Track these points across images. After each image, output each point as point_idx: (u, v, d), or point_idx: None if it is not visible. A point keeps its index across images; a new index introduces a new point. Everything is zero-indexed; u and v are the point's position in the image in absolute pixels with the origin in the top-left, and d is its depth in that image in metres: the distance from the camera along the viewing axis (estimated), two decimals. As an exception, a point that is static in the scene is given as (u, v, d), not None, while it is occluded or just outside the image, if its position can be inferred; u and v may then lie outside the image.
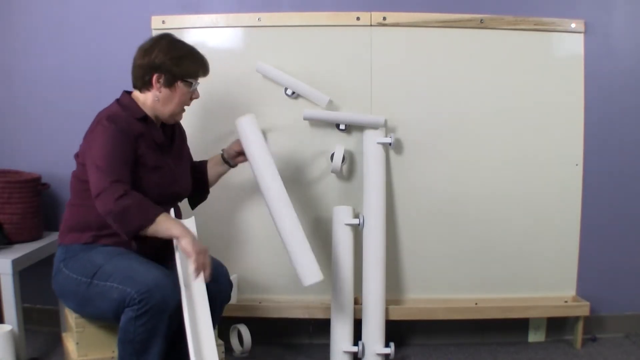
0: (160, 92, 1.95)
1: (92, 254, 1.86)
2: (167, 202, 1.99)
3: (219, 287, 1.95)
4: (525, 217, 2.58)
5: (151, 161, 1.92)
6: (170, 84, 1.95)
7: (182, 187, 2.08)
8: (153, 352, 1.77)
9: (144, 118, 1.95)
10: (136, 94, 2.00)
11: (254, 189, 2.55)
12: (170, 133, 2.09)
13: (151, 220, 1.78)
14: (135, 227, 1.78)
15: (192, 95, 2.03)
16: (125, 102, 1.96)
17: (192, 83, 2.00)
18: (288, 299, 2.59)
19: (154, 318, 1.73)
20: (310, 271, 2.10)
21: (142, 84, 1.96)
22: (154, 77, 1.94)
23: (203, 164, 2.28)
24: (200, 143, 2.51)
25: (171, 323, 1.78)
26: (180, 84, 1.97)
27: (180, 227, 1.82)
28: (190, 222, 2.02)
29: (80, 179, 1.92)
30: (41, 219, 2.50)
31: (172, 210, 2.05)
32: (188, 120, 2.51)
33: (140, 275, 1.75)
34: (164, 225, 1.80)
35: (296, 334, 2.68)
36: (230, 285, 2.04)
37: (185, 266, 1.87)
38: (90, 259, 1.84)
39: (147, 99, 1.97)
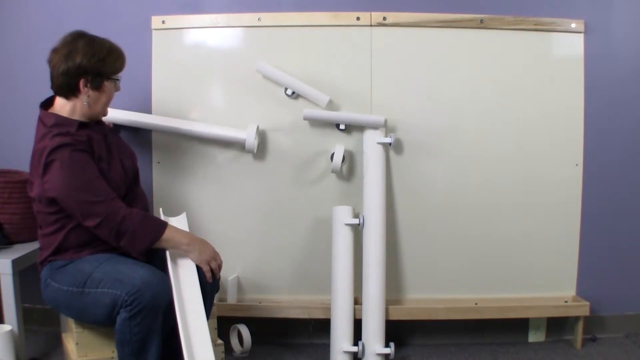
0: (88, 95, 1.90)
1: (79, 263, 1.87)
2: (129, 190, 2.00)
3: (204, 275, 1.94)
4: (525, 217, 2.58)
5: (105, 165, 1.91)
6: (98, 86, 1.91)
7: (132, 170, 2.07)
8: (151, 351, 1.77)
9: (80, 124, 1.91)
10: (60, 104, 1.92)
11: (253, 190, 2.56)
12: (101, 126, 2.06)
13: (158, 237, 1.85)
14: (144, 247, 1.84)
15: (116, 89, 2.01)
16: (51, 121, 1.87)
17: (117, 79, 1.98)
18: (288, 299, 2.59)
19: (148, 317, 1.73)
20: None
21: (69, 90, 1.89)
22: (81, 83, 1.88)
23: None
24: (200, 142, 2.51)
25: (166, 320, 1.78)
26: (107, 83, 1.94)
27: (186, 238, 1.89)
28: (181, 219, 2.03)
29: (44, 211, 1.89)
30: (41, 219, 2.50)
31: (160, 210, 2.07)
32: (188, 120, 2.52)
33: (128, 277, 1.75)
34: (171, 240, 1.87)
35: (296, 334, 2.68)
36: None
37: (176, 262, 1.88)
38: (79, 269, 1.85)
39: (76, 106, 1.91)
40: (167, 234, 1.86)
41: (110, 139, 2.04)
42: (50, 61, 1.91)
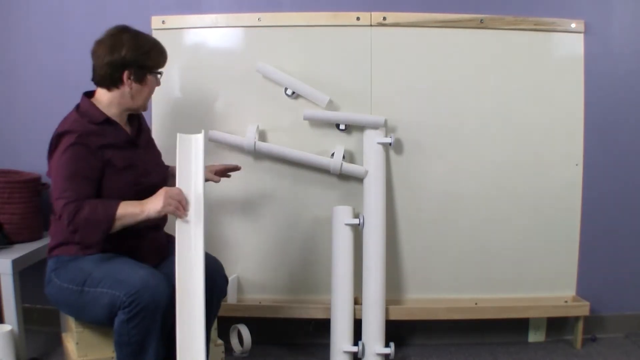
0: (131, 87, 1.92)
1: (81, 262, 1.86)
2: (146, 196, 1.97)
3: (214, 282, 1.94)
4: (526, 217, 2.58)
5: (120, 162, 1.90)
6: (141, 79, 1.93)
7: (157, 177, 2.05)
8: (150, 352, 1.77)
9: (105, 121, 1.90)
10: (100, 93, 1.94)
11: (253, 190, 2.56)
12: (137, 124, 2.06)
13: (112, 218, 1.77)
14: (103, 231, 1.78)
15: (157, 84, 2.02)
16: (84, 108, 1.91)
17: (160, 74, 2.00)
18: (288, 299, 2.59)
19: (146, 318, 1.73)
20: None
21: (111, 82, 1.91)
22: (125, 74, 1.90)
23: (166, 169, 2.20)
24: (200, 143, 2.52)
25: (166, 321, 1.77)
26: (149, 77, 1.95)
27: (138, 207, 1.80)
28: (199, 137, 1.94)
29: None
30: (41, 219, 2.50)
31: (178, 135, 2.01)
32: (188, 120, 2.52)
33: (128, 278, 1.75)
34: (127, 215, 1.79)
35: (296, 334, 2.68)
36: (225, 280, 2.04)
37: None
38: (80, 267, 1.84)
39: (115, 97, 1.93)
40: (119, 211, 1.78)
41: (142, 146, 2.03)
42: (94, 52, 1.93)
